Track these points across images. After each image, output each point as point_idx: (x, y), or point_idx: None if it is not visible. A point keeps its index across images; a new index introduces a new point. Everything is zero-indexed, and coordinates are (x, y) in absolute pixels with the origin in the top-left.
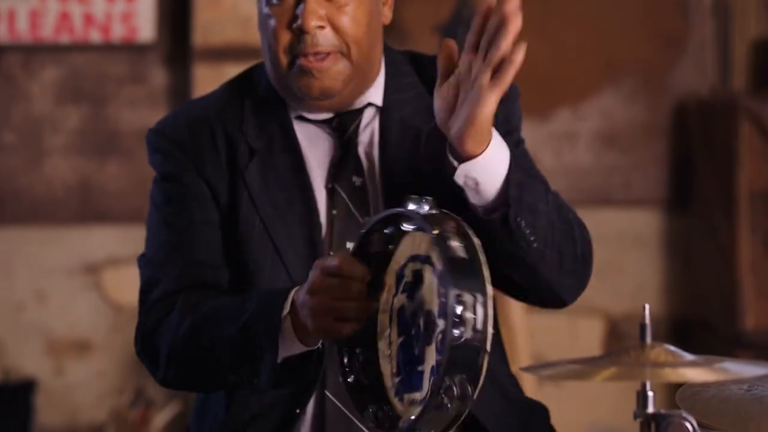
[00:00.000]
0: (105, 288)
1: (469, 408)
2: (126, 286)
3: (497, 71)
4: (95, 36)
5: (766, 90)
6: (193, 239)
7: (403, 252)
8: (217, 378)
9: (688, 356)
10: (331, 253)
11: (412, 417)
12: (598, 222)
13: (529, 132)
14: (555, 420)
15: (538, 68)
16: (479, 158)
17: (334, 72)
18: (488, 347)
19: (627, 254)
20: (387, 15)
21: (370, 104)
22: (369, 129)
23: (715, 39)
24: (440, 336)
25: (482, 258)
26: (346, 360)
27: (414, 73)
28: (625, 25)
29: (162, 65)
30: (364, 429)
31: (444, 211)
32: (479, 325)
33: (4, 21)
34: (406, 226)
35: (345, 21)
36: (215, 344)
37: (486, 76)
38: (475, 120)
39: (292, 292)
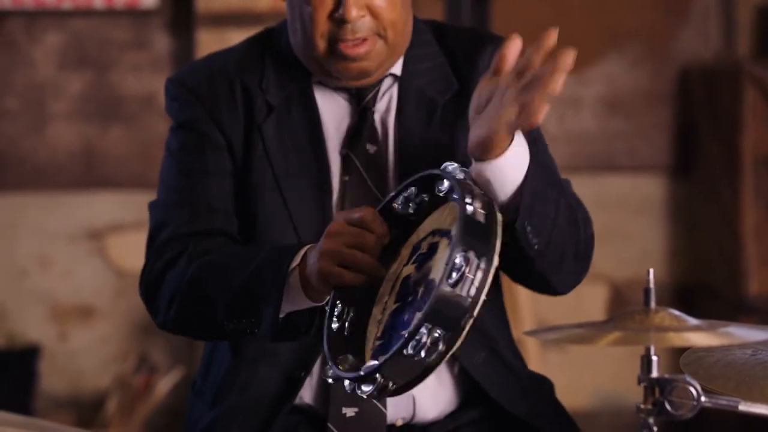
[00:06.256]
0: (108, 254)
1: (438, 366)
2: (129, 251)
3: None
4: (98, 1)
5: None
6: (206, 185)
7: (426, 225)
8: (216, 325)
9: (693, 321)
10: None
11: (376, 361)
12: (601, 188)
13: None
14: (559, 385)
15: (541, 33)
16: (492, 163)
17: (372, 55)
18: (476, 313)
19: (631, 220)
20: None
21: (389, 74)
22: (386, 97)
23: (719, 4)
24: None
25: (499, 232)
26: (336, 311)
27: (435, 43)
28: None
29: (165, 31)
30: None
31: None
32: (474, 288)
33: None
34: (439, 193)
35: (382, 6)
36: (221, 290)
37: (512, 107)
38: (486, 136)
39: (305, 248)
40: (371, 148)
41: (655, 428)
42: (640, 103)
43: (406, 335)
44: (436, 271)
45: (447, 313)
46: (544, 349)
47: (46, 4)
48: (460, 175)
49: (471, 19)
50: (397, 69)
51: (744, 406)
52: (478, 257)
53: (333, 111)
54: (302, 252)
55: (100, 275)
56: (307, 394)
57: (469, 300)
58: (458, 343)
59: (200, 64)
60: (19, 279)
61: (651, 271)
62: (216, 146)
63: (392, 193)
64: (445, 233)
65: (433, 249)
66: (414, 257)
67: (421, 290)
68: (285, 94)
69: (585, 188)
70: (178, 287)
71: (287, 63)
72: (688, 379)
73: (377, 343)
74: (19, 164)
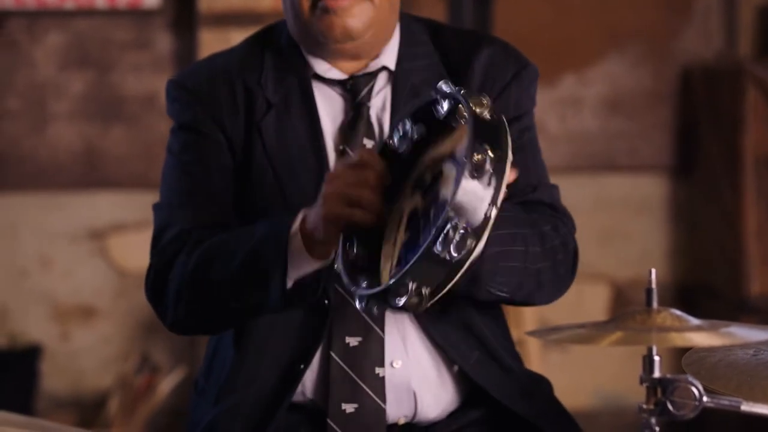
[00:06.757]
0: (110, 254)
1: (468, 265)
2: (131, 251)
3: None
4: (100, 1)
5: None
6: (208, 185)
7: (426, 159)
8: (226, 308)
9: (694, 321)
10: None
11: (402, 268)
12: (602, 188)
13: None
14: (560, 386)
15: (543, 33)
16: None
17: (356, 11)
18: (499, 203)
19: (632, 220)
20: None
21: (384, 68)
22: (382, 94)
23: (721, 4)
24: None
25: (508, 128)
26: (346, 254)
27: (430, 42)
28: None
29: (167, 31)
30: (368, 390)
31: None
32: (495, 179)
33: None
34: (439, 116)
35: None
36: (224, 270)
37: None
38: None
39: (302, 211)
40: (368, 144)
41: (656, 428)
42: (641, 103)
43: (434, 231)
44: (447, 188)
45: (471, 205)
46: (546, 349)
47: (48, 4)
48: (455, 88)
49: (472, 19)
50: (391, 64)
51: (746, 407)
52: (493, 150)
53: (330, 106)
54: (300, 215)
55: (101, 275)
56: (307, 388)
57: (492, 190)
58: (485, 237)
59: (201, 65)
60: (21, 279)
61: (653, 271)
62: (217, 146)
63: (389, 133)
64: (447, 158)
65: (437, 176)
66: (418, 189)
67: (432, 212)
68: (284, 91)
69: (585, 188)
70: (182, 279)
71: (287, 59)
72: (690, 379)
73: (393, 271)
74: (20, 164)
